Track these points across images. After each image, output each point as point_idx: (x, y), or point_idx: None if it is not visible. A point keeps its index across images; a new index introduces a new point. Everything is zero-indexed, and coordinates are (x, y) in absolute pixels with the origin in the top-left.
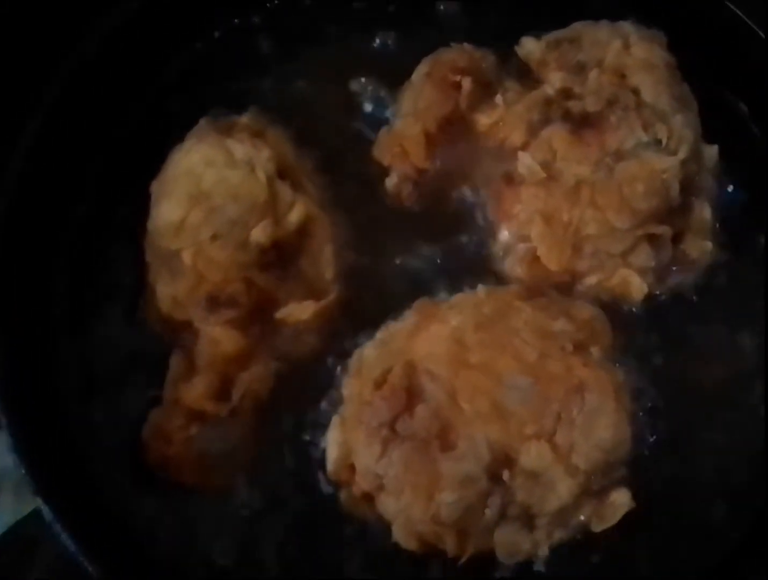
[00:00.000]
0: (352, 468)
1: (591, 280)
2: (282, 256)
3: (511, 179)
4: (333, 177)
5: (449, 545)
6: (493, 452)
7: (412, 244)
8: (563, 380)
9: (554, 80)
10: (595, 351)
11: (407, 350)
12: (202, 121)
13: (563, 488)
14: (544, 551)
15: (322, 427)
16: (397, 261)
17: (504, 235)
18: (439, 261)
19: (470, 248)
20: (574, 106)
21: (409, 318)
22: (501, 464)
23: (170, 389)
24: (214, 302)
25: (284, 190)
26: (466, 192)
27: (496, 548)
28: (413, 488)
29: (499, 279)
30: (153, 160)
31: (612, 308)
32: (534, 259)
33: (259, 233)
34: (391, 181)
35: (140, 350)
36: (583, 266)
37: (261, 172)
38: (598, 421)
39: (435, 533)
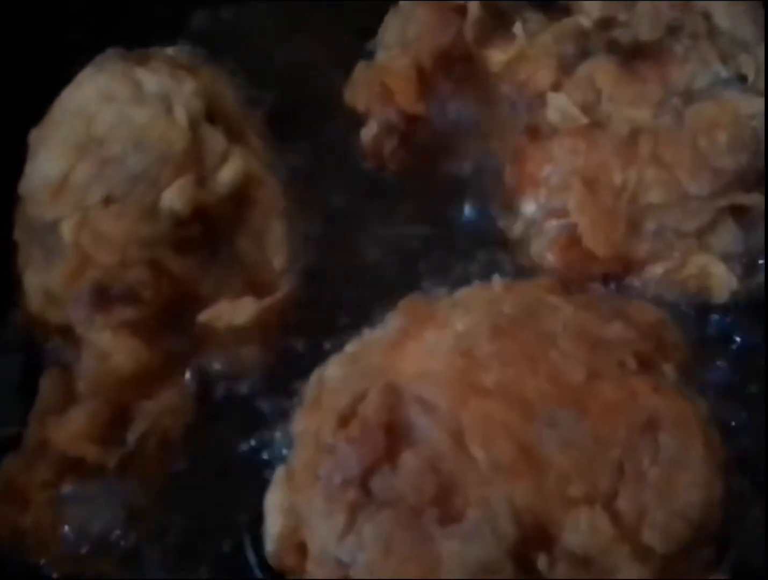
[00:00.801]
0: (302, 550)
1: (654, 270)
2: (210, 232)
3: (536, 133)
4: (290, 132)
5: None
6: (521, 525)
7: (395, 223)
8: (625, 412)
9: (592, 9)
10: (668, 370)
11: (388, 368)
12: (110, 51)
13: None
14: None
15: (260, 485)
16: (375, 246)
17: (528, 208)
18: (433, 247)
19: (478, 228)
20: (621, 35)
21: (391, 322)
22: (534, 543)
23: (35, 424)
24: (102, 296)
25: (214, 138)
26: (473, 152)
27: None
28: None
29: (520, 271)
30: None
31: (682, 310)
32: (571, 241)
33: (174, 196)
34: (368, 133)
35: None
36: (643, 251)
37: (181, 110)
38: (681, 476)
39: None
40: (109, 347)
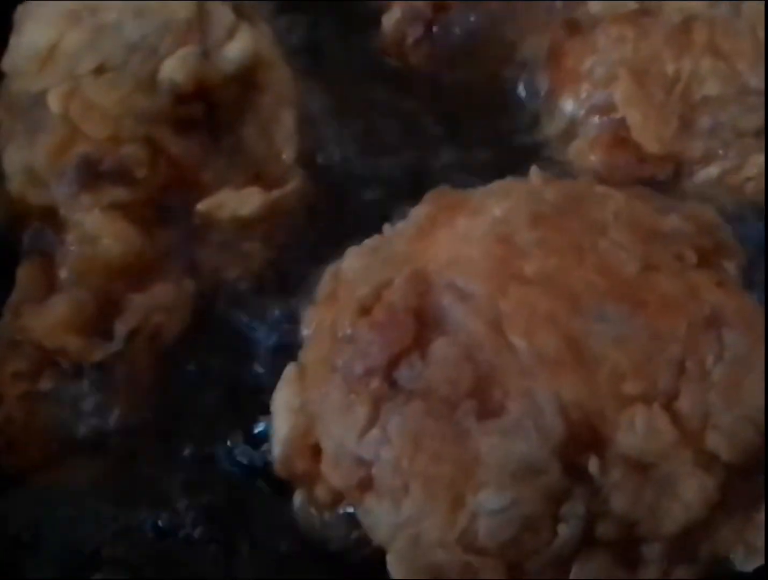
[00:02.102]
0: (315, 452)
1: (708, 172)
2: (213, 116)
3: (575, 26)
4: (303, 15)
5: None
6: (569, 421)
7: (418, 122)
8: (685, 307)
9: None
10: (730, 268)
11: (416, 256)
12: None
13: (692, 491)
14: None
15: (266, 391)
16: (394, 144)
17: (567, 106)
18: (459, 148)
19: (511, 128)
20: None
21: (417, 213)
22: (584, 444)
23: (10, 315)
24: (91, 171)
25: (221, 11)
26: (504, 46)
27: None
28: (427, 483)
29: (557, 175)
30: None
31: (739, 216)
32: (616, 138)
33: (175, 66)
34: (390, 18)
35: None
36: (696, 150)
37: None
38: (748, 377)
39: (465, 567)
40: (96, 229)
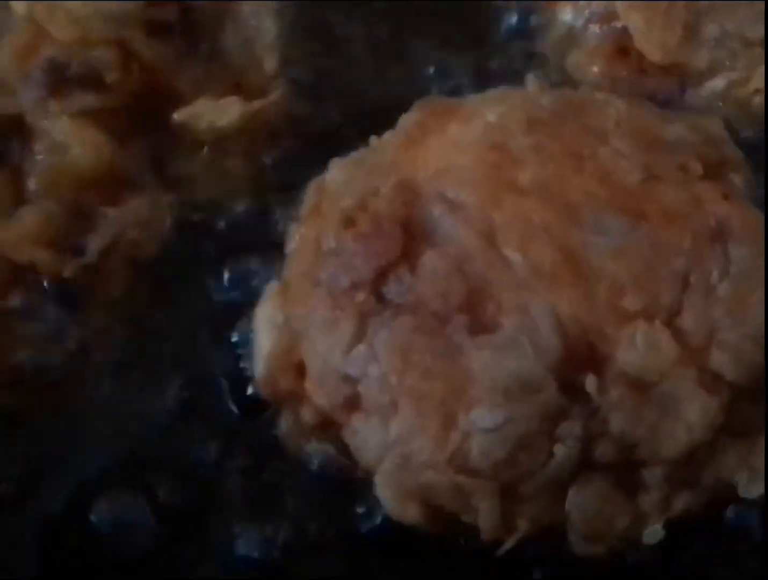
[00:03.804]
0: (299, 371)
1: (714, 84)
2: (189, 20)
3: None
4: None
5: (482, 515)
6: (566, 337)
7: (408, 26)
8: (690, 219)
9: None
10: (736, 180)
11: (404, 165)
12: None
13: (694, 411)
14: (654, 534)
15: (243, 309)
16: (384, 52)
17: (565, 15)
18: (447, 57)
19: (505, 39)
20: None
21: (406, 121)
22: (582, 362)
23: None
24: (58, 75)
25: None
26: None
27: (569, 524)
28: (417, 401)
29: (555, 86)
30: None
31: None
32: (617, 48)
33: None
34: None
35: None
36: (701, 60)
37: None
38: (754, 293)
39: (456, 490)
40: (65, 137)
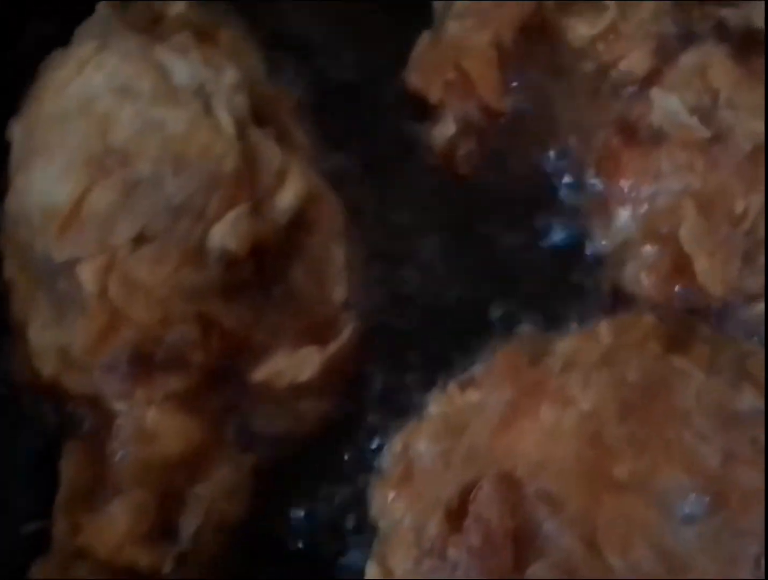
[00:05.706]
0: None
1: (761, 307)
2: (262, 270)
3: (632, 134)
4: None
5: None
6: None
7: (471, 241)
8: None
9: None
10: None
11: (500, 453)
12: (101, 7)
13: None
14: None
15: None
16: (449, 271)
17: (622, 225)
18: (512, 267)
19: (561, 242)
20: (730, 16)
21: (491, 389)
22: None
23: (63, 519)
24: (143, 364)
25: (267, 148)
26: (547, 150)
27: None
28: None
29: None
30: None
31: None
32: (673, 270)
33: (227, 232)
34: (443, 133)
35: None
36: (755, 286)
37: (223, 111)
38: None
39: None
40: (154, 428)
